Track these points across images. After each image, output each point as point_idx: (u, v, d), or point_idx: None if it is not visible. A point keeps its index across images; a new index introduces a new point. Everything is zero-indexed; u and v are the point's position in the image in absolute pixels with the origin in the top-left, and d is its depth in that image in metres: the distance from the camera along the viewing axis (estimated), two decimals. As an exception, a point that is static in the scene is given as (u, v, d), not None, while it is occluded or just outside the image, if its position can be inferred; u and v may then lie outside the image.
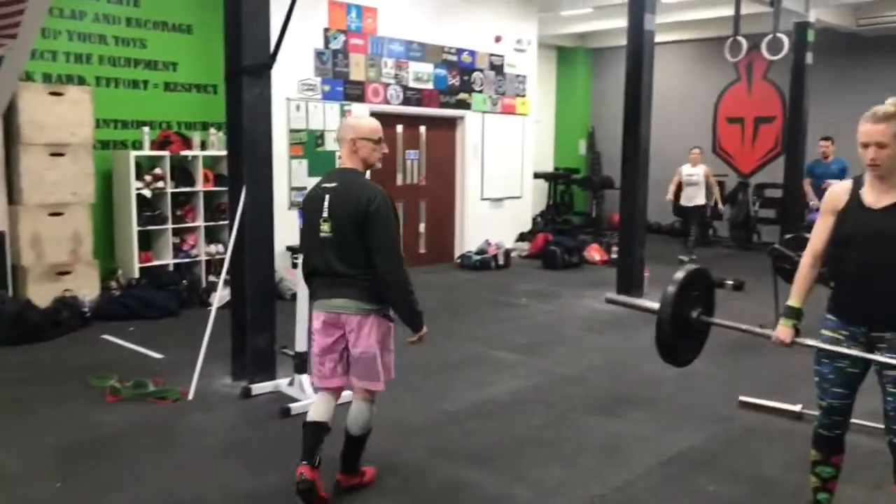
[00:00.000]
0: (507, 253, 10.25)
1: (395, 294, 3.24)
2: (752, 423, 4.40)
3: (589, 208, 14.51)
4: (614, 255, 9.43)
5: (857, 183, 2.90)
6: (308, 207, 3.35)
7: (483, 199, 10.71)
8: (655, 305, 3.27)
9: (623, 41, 8.15)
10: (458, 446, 4.04)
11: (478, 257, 10.00)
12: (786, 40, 9.80)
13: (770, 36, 9.89)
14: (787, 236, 7.15)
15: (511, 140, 11.21)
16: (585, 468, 3.79)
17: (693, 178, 10.23)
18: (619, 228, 8.53)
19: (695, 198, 10.30)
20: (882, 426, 2.91)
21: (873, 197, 2.83)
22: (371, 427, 3.38)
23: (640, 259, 8.16)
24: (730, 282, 8.69)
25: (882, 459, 2.99)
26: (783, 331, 3.00)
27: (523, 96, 11.32)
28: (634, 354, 5.83)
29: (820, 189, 9.65)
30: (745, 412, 4.59)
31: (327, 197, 3.24)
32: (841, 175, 9.58)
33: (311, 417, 3.33)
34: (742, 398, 4.72)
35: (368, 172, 3.39)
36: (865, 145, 2.77)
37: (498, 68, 10.83)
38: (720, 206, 11.08)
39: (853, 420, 3.08)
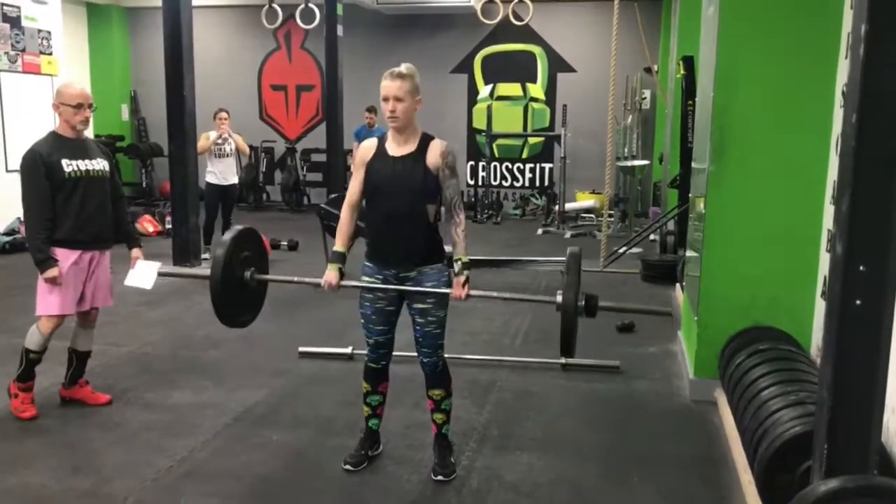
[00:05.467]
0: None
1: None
2: (311, 370, 4.72)
3: (139, 178, 13.73)
4: (169, 226, 9.12)
5: (382, 138, 3.26)
6: None
7: (9, 172, 9.35)
8: (207, 271, 3.29)
9: (160, 1, 7.78)
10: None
11: (7, 238, 8.75)
12: (318, 11, 10.46)
13: (303, 6, 10.44)
14: (332, 196, 7.74)
15: (38, 104, 9.94)
16: (149, 446, 3.65)
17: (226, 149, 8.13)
18: (171, 197, 8.24)
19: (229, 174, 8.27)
20: (415, 355, 3.38)
21: (394, 149, 3.21)
22: None
23: (195, 227, 8.02)
24: (284, 243, 9.09)
25: (419, 382, 3.47)
26: (330, 274, 3.25)
27: (49, 54, 10.12)
28: (196, 322, 5.76)
29: None
30: (304, 361, 4.90)
31: None
32: None
33: None
34: (301, 349, 5.03)
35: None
36: (386, 99, 3.09)
37: (14, 21, 9.47)
38: None
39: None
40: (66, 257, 3.87)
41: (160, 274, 3.75)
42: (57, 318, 3.92)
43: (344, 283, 3.28)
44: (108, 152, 4.16)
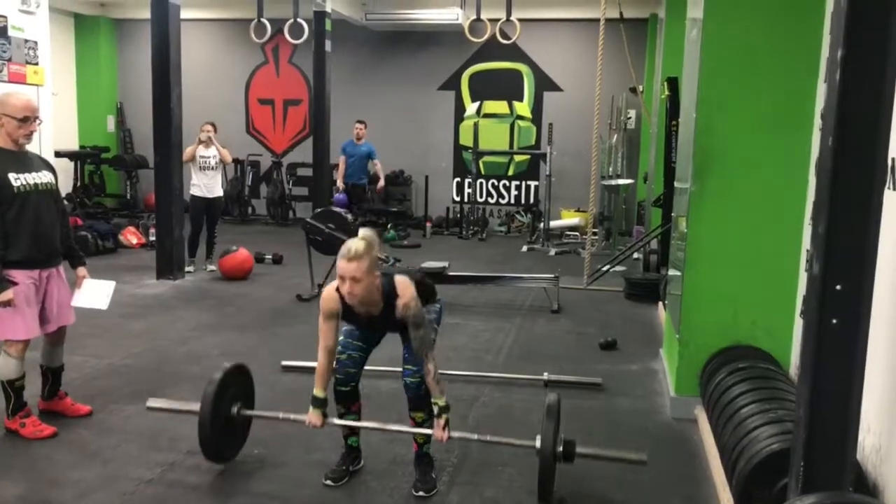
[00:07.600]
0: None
1: None
2: (294, 384, 4.70)
3: (123, 189, 13.67)
4: (153, 238, 9.08)
5: (342, 294, 3.15)
6: None
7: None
8: (196, 406, 3.34)
9: (149, 13, 7.81)
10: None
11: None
12: (306, 26, 10.51)
13: (291, 21, 10.50)
14: (317, 210, 7.74)
15: (23, 114, 9.91)
16: (129, 458, 3.63)
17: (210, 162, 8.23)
18: (156, 209, 8.22)
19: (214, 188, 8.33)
20: (398, 370, 3.40)
21: (359, 310, 3.21)
22: None
23: (179, 240, 8.00)
24: (269, 256, 9.07)
25: (401, 397, 3.47)
26: (313, 417, 3.34)
27: (36, 64, 10.09)
28: (178, 335, 5.72)
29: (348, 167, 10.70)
30: (287, 375, 4.89)
31: None
32: (368, 157, 10.75)
33: None
34: (284, 363, 5.01)
35: None
36: (342, 279, 3.05)
37: (0, 30, 9.44)
38: None
39: (376, 368, 3.52)
40: (26, 279, 3.68)
41: (150, 408, 3.65)
42: (23, 342, 3.77)
43: (327, 421, 3.37)
44: (51, 165, 3.92)
